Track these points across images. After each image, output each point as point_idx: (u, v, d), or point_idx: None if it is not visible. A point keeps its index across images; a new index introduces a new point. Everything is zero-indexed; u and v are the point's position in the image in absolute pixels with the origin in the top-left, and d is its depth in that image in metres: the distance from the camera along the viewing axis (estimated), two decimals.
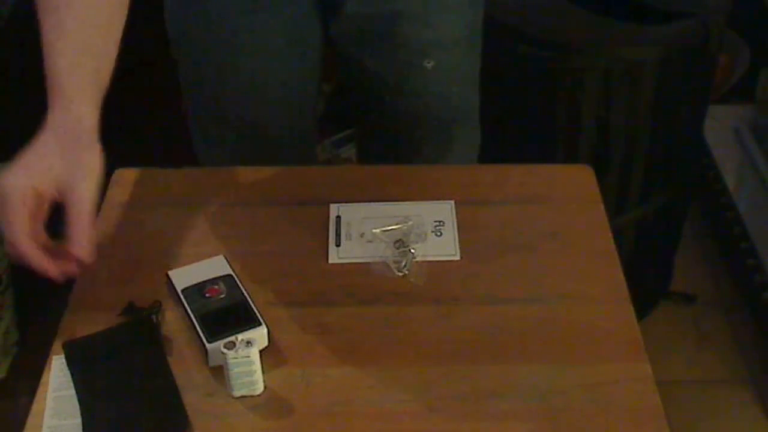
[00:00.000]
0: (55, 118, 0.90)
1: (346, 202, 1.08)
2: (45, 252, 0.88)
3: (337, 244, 1.03)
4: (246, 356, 0.85)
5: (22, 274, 1.91)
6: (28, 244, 0.88)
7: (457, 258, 1.01)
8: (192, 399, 0.87)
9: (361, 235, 1.04)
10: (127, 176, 1.13)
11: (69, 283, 0.99)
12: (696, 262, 2.16)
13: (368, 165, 1.19)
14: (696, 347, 1.98)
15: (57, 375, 0.90)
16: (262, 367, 0.87)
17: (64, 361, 0.91)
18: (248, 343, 0.85)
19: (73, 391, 0.88)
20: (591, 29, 1.66)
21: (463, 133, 1.33)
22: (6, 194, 0.87)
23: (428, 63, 1.23)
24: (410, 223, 1.05)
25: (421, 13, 1.20)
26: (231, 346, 0.85)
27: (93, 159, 0.90)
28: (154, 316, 0.94)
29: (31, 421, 0.86)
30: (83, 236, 0.88)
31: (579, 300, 0.97)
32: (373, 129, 1.36)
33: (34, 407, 0.87)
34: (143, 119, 2.33)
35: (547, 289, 0.98)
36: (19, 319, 1.87)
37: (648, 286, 1.99)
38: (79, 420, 0.86)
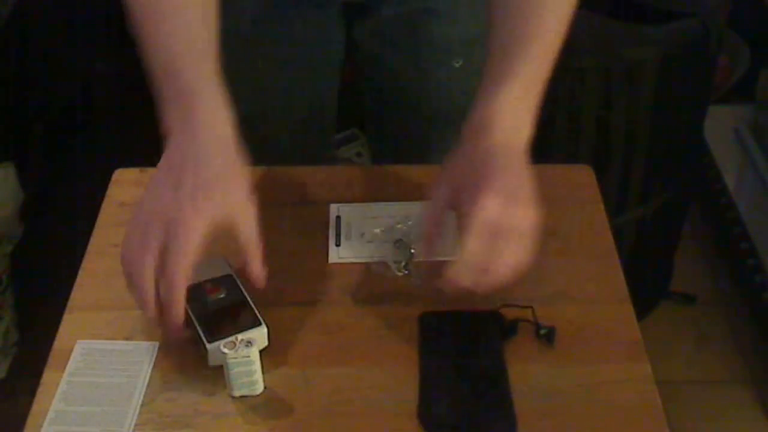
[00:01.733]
0: (196, 127, 0.86)
1: (346, 202, 1.08)
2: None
3: (337, 244, 1.03)
4: (246, 356, 0.85)
5: (22, 274, 1.92)
6: (182, 291, 0.83)
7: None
8: (192, 399, 0.88)
9: (361, 235, 1.04)
10: (127, 176, 1.13)
11: (69, 283, 0.99)
12: (696, 262, 2.16)
13: (369, 165, 1.19)
14: (696, 347, 1.99)
15: (77, 360, 0.91)
16: (262, 367, 0.87)
17: (87, 347, 0.92)
18: (248, 343, 0.85)
19: (88, 379, 0.89)
20: (591, 29, 1.66)
21: None
22: (182, 227, 0.82)
23: (456, 62, 1.22)
24: (410, 223, 1.05)
25: (450, 10, 1.20)
26: (231, 346, 0.85)
27: (245, 177, 0.88)
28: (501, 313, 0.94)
29: (31, 420, 0.86)
30: (257, 261, 0.87)
31: (579, 300, 0.97)
32: (390, 129, 1.36)
33: (35, 407, 0.88)
34: (143, 119, 2.33)
35: (547, 289, 0.98)
36: (19, 319, 1.87)
37: (648, 286, 1.99)
38: (86, 409, 0.87)
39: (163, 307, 0.84)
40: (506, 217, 0.84)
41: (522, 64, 0.91)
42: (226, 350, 0.85)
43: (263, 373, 0.87)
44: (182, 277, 0.83)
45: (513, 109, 0.90)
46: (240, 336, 0.86)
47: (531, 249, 0.85)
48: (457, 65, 1.22)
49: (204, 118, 0.87)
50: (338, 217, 1.06)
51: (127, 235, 0.86)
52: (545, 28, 0.93)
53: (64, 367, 0.90)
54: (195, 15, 0.92)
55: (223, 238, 0.86)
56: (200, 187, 0.84)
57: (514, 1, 0.95)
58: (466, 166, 0.89)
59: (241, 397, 0.87)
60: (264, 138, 1.30)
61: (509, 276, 0.85)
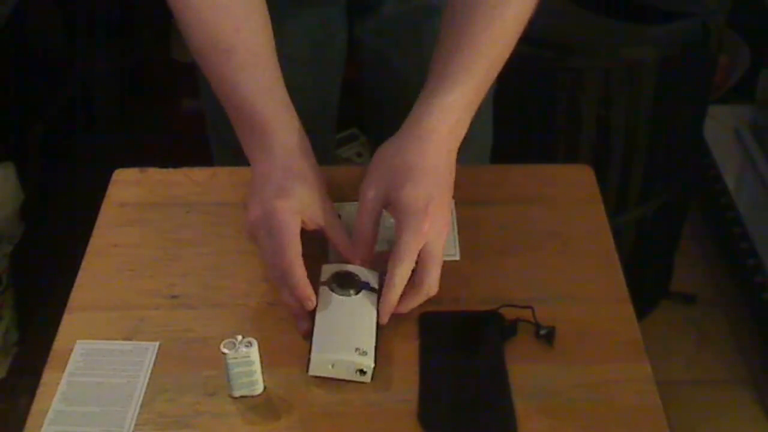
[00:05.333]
0: (276, 151, 0.95)
1: (345, 202, 1.08)
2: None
3: None
4: (246, 356, 0.85)
5: (22, 274, 1.92)
6: (301, 267, 0.89)
7: (457, 258, 1.01)
8: (192, 399, 0.88)
9: None
10: (127, 176, 1.13)
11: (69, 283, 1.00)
12: (696, 262, 2.16)
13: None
14: (696, 347, 1.98)
15: (76, 360, 0.91)
16: (262, 367, 0.87)
17: (87, 347, 0.92)
18: (248, 343, 0.85)
19: (88, 379, 0.89)
20: (591, 29, 1.66)
21: (480, 130, 1.32)
22: (281, 219, 0.90)
23: None
24: None
25: None
26: (231, 346, 0.85)
27: (323, 181, 0.96)
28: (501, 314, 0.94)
29: (31, 420, 0.86)
30: (343, 240, 0.95)
31: (579, 300, 0.97)
32: (392, 129, 1.36)
33: (35, 407, 0.87)
34: (143, 119, 2.33)
35: (547, 289, 0.98)
36: (19, 319, 1.87)
37: (648, 286, 1.99)
38: (86, 409, 0.86)
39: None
40: (432, 241, 0.90)
41: (476, 64, 0.95)
42: (225, 350, 0.85)
43: (263, 373, 0.87)
44: (295, 265, 0.88)
45: (460, 110, 0.94)
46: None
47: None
48: None
49: (280, 145, 0.95)
50: (338, 216, 1.06)
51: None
52: (504, 32, 0.97)
53: (64, 367, 0.90)
54: (260, 46, 0.99)
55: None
56: (280, 188, 0.92)
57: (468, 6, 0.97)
58: (400, 174, 0.92)
59: (241, 397, 0.87)
60: None
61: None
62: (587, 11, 1.66)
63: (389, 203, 0.92)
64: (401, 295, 0.91)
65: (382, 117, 1.37)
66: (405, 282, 0.90)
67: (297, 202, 0.91)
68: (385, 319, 0.91)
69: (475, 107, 0.96)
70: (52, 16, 2.15)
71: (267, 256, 0.91)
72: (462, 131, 0.95)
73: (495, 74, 0.97)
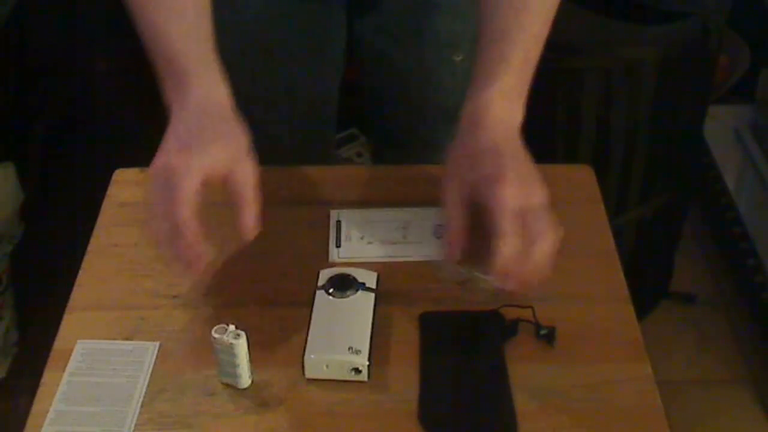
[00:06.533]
0: (193, 100, 0.92)
1: (346, 204, 1.08)
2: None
3: (338, 246, 1.03)
4: (229, 347, 0.85)
5: (22, 274, 1.92)
6: (193, 228, 0.86)
7: (458, 258, 1.01)
8: (192, 399, 0.88)
9: (361, 238, 1.04)
10: (127, 176, 1.13)
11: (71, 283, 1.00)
12: (696, 262, 2.16)
13: (369, 165, 1.19)
14: (696, 347, 1.98)
15: (77, 360, 0.91)
16: (250, 363, 0.87)
17: (87, 346, 0.92)
18: (237, 335, 0.85)
19: (88, 379, 0.89)
20: (591, 29, 1.66)
21: None
22: (178, 176, 0.86)
23: (457, 56, 1.23)
24: (411, 225, 1.04)
25: (453, 4, 1.20)
26: (222, 331, 0.85)
27: (244, 138, 0.93)
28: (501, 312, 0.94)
29: (31, 420, 0.86)
30: (251, 217, 0.90)
31: (579, 300, 0.97)
32: (392, 128, 1.36)
33: (35, 407, 0.87)
34: (143, 119, 2.33)
35: (547, 289, 0.98)
36: (19, 319, 1.87)
37: (648, 286, 1.99)
38: (86, 409, 0.87)
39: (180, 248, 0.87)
40: (527, 202, 0.90)
41: (512, 52, 0.96)
42: (216, 335, 0.85)
43: (253, 369, 0.87)
44: (184, 216, 0.86)
45: (506, 96, 0.95)
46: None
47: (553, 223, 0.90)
48: (458, 59, 1.23)
49: (200, 91, 0.92)
50: (338, 222, 1.06)
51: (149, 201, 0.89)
52: (533, 19, 0.98)
53: (64, 367, 0.90)
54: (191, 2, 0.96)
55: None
56: (195, 142, 0.89)
57: None
58: (472, 159, 0.93)
59: (241, 397, 0.87)
60: (265, 134, 1.29)
61: (552, 255, 0.89)
62: (587, 11, 1.66)
63: (473, 190, 0.92)
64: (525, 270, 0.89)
65: (382, 117, 1.37)
66: (512, 247, 0.88)
67: (202, 158, 0.88)
68: (508, 284, 0.90)
69: (522, 89, 0.97)
70: (52, 16, 2.15)
71: (158, 207, 0.88)
72: (516, 113, 0.96)
73: (536, 54, 0.98)
